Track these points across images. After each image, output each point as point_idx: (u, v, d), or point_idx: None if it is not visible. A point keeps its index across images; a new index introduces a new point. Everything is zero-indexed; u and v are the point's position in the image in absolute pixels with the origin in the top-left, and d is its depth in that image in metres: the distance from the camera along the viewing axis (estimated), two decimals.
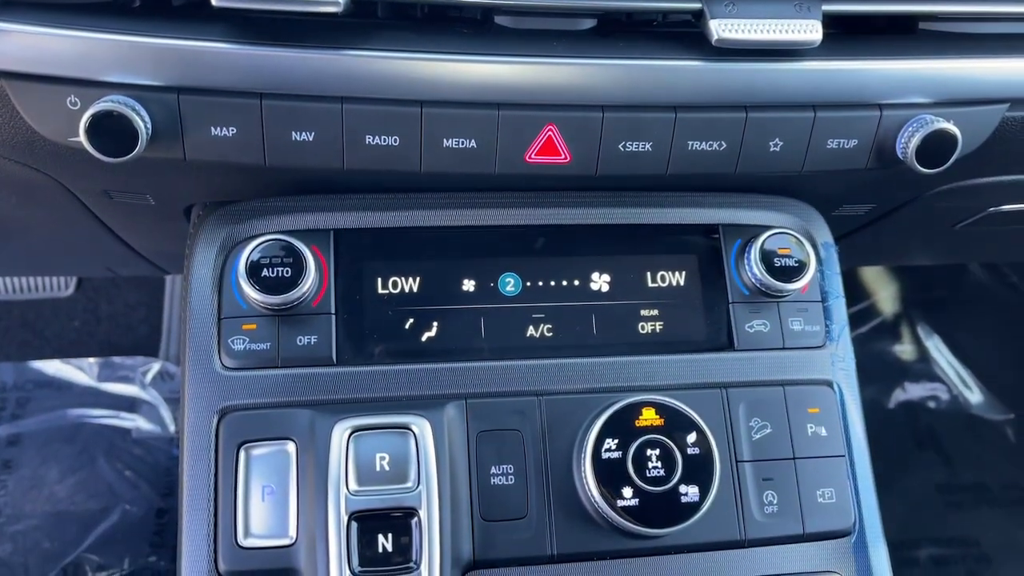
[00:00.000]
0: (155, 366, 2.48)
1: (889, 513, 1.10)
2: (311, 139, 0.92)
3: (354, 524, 0.91)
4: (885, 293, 2.85)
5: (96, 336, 2.57)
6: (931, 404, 2.73)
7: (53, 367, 2.47)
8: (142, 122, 0.86)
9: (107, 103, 0.85)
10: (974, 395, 2.72)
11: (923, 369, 2.79)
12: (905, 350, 2.81)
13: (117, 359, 2.48)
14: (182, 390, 0.99)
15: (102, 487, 2.30)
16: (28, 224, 1.34)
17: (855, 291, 2.79)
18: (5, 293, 2.55)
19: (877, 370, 2.71)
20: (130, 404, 2.44)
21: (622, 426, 0.96)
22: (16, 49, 0.85)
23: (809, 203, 1.13)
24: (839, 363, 1.08)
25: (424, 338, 1.02)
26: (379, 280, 1.03)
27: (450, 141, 0.93)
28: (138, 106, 0.87)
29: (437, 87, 0.90)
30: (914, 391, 2.73)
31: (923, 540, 2.38)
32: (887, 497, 1.11)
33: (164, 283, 2.59)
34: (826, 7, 0.91)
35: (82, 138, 0.86)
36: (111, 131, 0.86)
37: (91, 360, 2.47)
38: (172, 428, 2.43)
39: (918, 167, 0.96)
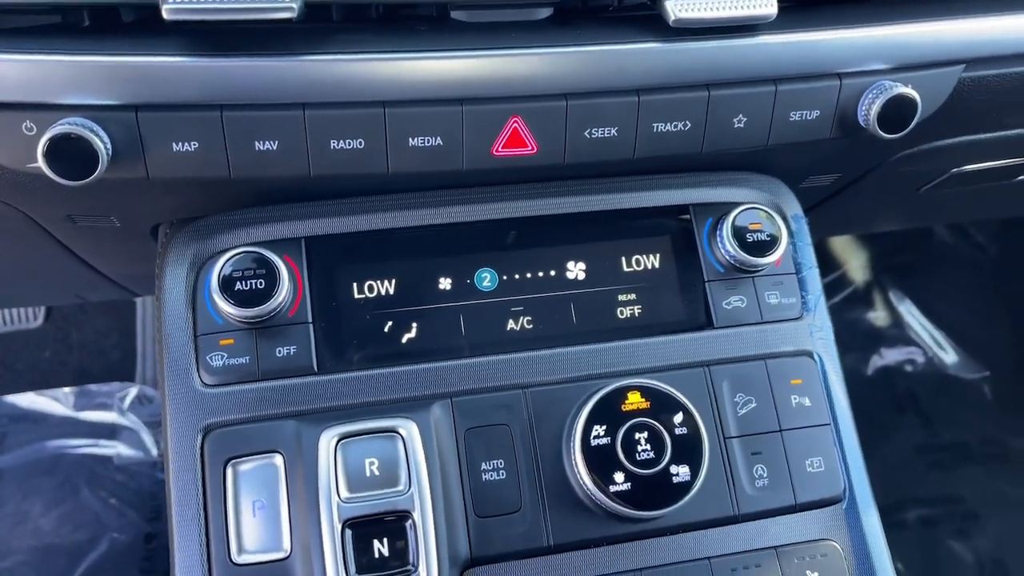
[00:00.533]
0: (132, 391, 2.45)
1: (874, 478, 1.11)
2: (275, 148, 0.91)
3: (348, 531, 0.90)
4: (855, 262, 2.89)
5: (69, 365, 2.53)
6: (908, 368, 2.77)
7: (27, 400, 2.43)
8: (101, 143, 0.84)
9: (64, 126, 0.84)
10: (949, 356, 2.77)
11: (898, 334, 2.83)
12: (879, 317, 2.85)
13: (93, 387, 2.44)
14: (163, 411, 0.98)
15: (88, 517, 2.27)
16: None
17: (826, 262, 2.82)
18: None
19: (853, 338, 2.75)
20: (110, 431, 2.41)
21: (609, 412, 0.96)
22: None
23: (776, 177, 1.14)
24: (817, 333, 1.09)
25: (404, 340, 1.01)
26: (355, 285, 1.02)
27: (416, 140, 0.93)
28: (96, 127, 0.85)
29: (398, 87, 0.90)
30: (891, 356, 2.77)
31: (909, 502, 2.42)
32: (870, 463, 1.12)
33: (135, 306, 2.56)
34: None
35: (40, 163, 0.84)
36: (70, 154, 0.84)
37: (66, 390, 2.43)
38: (155, 452, 2.40)
39: (880, 133, 0.97)
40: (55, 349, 2.54)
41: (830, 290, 2.79)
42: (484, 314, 1.03)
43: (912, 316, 2.85)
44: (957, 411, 2.65)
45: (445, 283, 1.03)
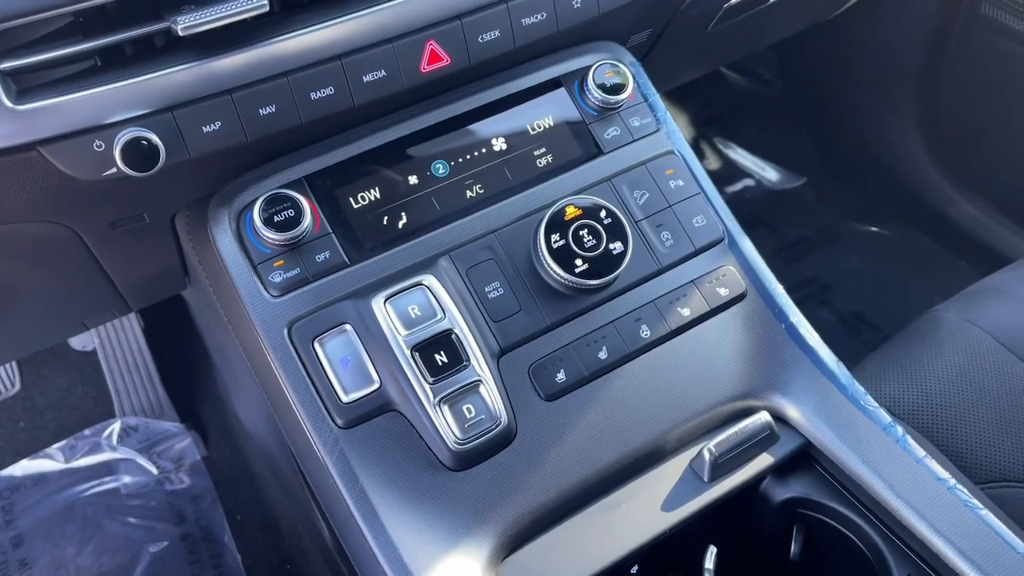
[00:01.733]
0: (115, 425, 2.65)
1: None
2: (274, 110, 1.24)
3: (416, 354, 1.27)
4: (681, 123, 3.42)
5: (46, 428, 2.70)
6: (747, 195, 3.32)
7: (21, 468, 2.59)
8: (158, 139, 1.16)
9: (129, 134, 1.14)
10: (773, 175, 3.34)
11: (731, 171, 3.37)
12: (712, 162, 3.39)
13: (77, 435, 2.63)
14: (249, 325, 1.29)
15: (119, 543, 2.49)
16: (19, 295, 1.55)
17: None
18: None
19: None
20: (107, 468, 2.61)
21: (557, 225, 1.35)
22: (45, 121, 1.12)
23: (612, 41, 1.57)
24: (672, 136, 1.52)
25: (400, 225, 1.37)
26: (351, 199, 1.37)
27: (368, 76, 1.28)
28: (146, 130, 1.16)
29: (348, 41, 1.25)
30: (732, 190, 3.31)
31: None
32: None
33: (94, 355, 2.75)
34: None
35: (120, 165, 1.14)
36: (138, 153, 1.14)
37: (54, 446, 2.61)
38: (155, 471, 2.63)
39: None
40: (27, 417, 2.70)
41: None
42: (448, 192, 1.41)
43: (737, 154, 3.41)
44: (792, 215, 3.23)
45: (413, 179, 1.40)
